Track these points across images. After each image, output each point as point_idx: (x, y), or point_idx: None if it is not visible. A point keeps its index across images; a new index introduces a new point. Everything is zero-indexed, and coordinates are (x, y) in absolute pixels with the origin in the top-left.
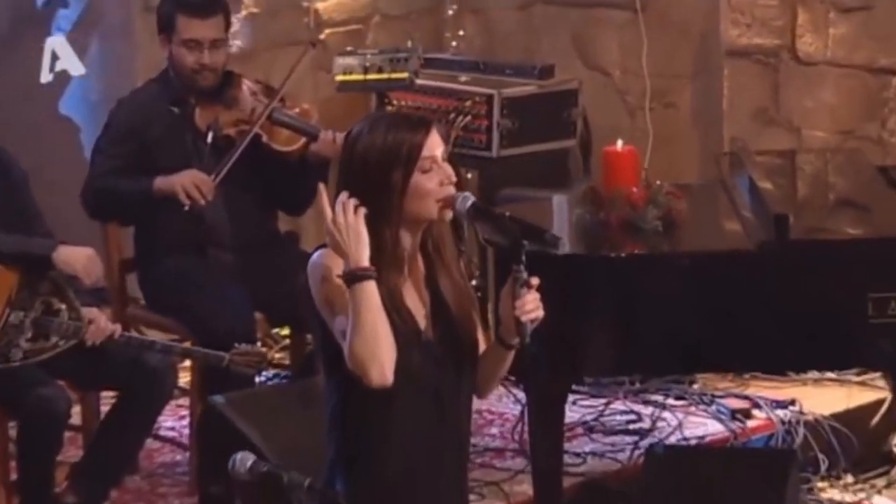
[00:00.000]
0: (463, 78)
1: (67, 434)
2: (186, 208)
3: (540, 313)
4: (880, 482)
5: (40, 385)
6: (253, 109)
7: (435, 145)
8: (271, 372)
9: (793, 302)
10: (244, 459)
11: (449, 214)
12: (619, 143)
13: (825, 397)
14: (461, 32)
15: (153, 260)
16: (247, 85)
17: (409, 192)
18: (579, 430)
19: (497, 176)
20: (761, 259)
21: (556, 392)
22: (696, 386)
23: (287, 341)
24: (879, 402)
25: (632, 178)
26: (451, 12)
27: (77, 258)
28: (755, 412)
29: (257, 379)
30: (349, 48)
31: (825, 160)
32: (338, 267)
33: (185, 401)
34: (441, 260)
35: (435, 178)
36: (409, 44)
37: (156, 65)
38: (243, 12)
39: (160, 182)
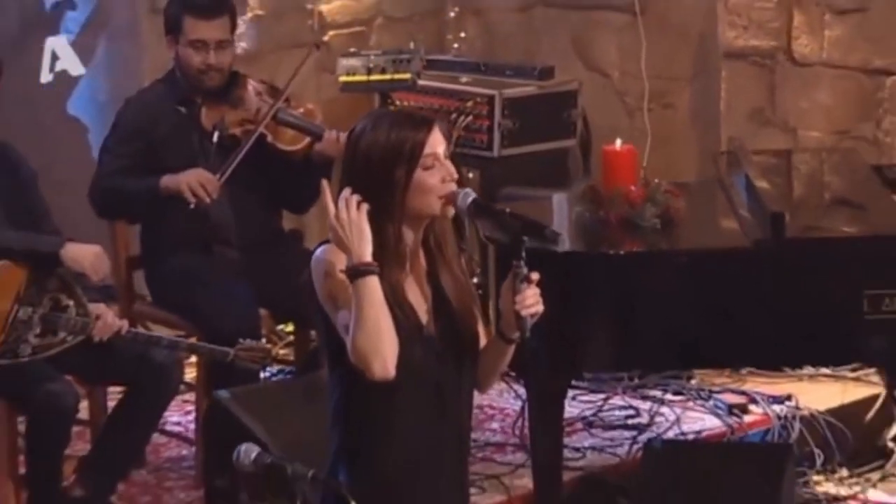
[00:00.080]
0: (464, 79)
1: (75, 428)
2: (192, 206)
3: (540, 308)
4: (875, 476)
5: (48, 380)
6: (258, 109)
7: (437, 143)
8: (276, 368)
9: (789, 299)
10: (248, 451)
11: (450, 211)
12: (618, 142)
13: (821, 393)
14: (463, 34)
15: (159, 257)
16: (252, 85)
17: (412, 188)
18: (579, 424)
19: (498, 175)
20: (758, 256)
21: (556, 388)
22: (693, 382)
23: (291, 338)
24: (874, 398)
25: (630, 177)
26: (452, 14)
27: (85, 255)
28: (752, 407)
29: (262, 374)
30: (352, 49)
31: (821, 159)
32: (341, 262)
33: (190, 396)
34: (442, 256)
35: (437, 175)
36: (412, 45)
37: (162, 66)
38: (248, 14)
39: (166, 181)
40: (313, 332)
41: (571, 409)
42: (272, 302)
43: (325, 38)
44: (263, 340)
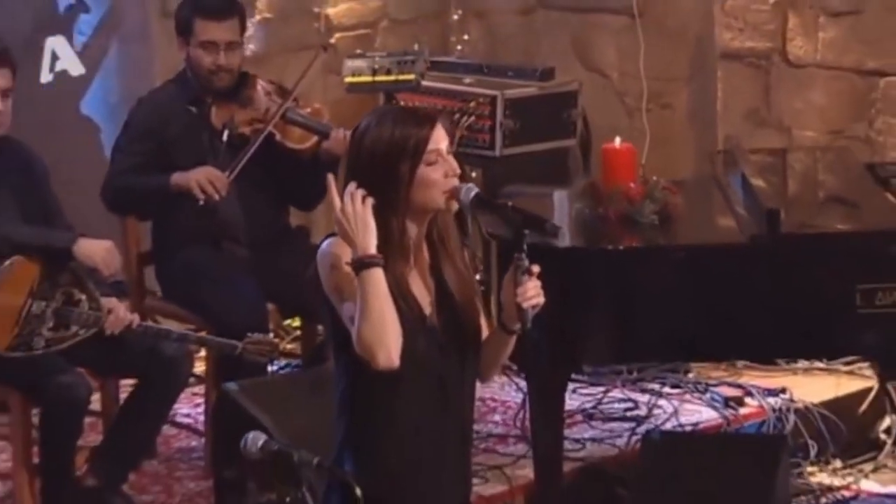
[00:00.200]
0: (467, 80)
1: (88, 420)
2: (201, 203)
3: (541, 299)
4: (867, 467)
5: (61, 372)
6: (267, 109)
7: (440, 139)
8: (283, 361)
9: (784, 293)
10: (256, 439)
11: (453, 205)
12: (618, 140)
13: (815, 386)
14: (466, 36)
15: (170, 253)
16: (261, 85)
17: (416, 183)
18: (579, 416)
19: (500, 174)
20: (754, 252)
21: (557, 381)
22: (690, 375)
23: (298, 332)
24: (867, 391)
25: (629, 175)
26: (456, 17)
27: (96, 250)
28: (747, 400)
29: (269, 368)
30: (358, 51)
31: (815, 158)
32: (346, 255)
33: (200, 389)
34: (445, 249)
35: (440, 170)
36: (416, 47)
37: (173, 67)
38: (257, 17)
39: (177, 178)
40: (320, 327)
41: (572, 401)
42: (279, 297)
43: (332, 41)
44: (271, 335)
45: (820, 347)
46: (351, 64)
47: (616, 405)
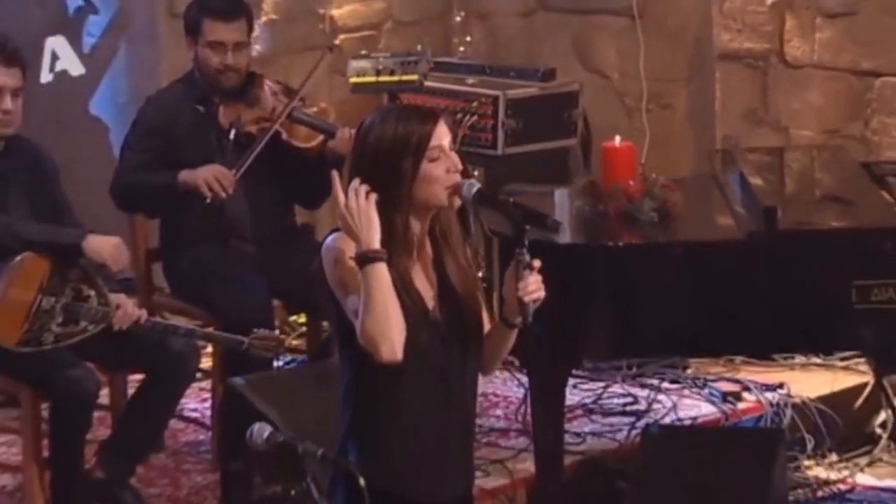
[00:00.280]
0: (470, 80)
1: (96, 414)
2: (208, 201)
3: (541, 293)
4: (863, 461)
5: (70, 367)
6: (274, 108)
7: (442, 135)
8: (288, 357)
9: (781, 289)
10: (261, 430)
11: (456, 201)
12: (617, 138)
13: (811, 381)
14: (468, 38)
15: (177, 250)
16: (268, 85)
17: (419, 179)
18: (579, 411)
19: (502, 173)
20: (751, 248)
21: (558, 376)
22: (689, 370)
23: (304, 329)
24: (862, 386)
25: (629, 172)
26: (458, 19)
27: (105, 246)
28: (745, 395)
29: (275, 363)
30: (363, 52)
31: (811, 157)
32: (350, 249)
33: (207, 384)
34: (448, 245)
35: (442, 166)
36: (420, 48)
37: (180, 68)
38: (263, 18)
39: (184, 176)
40: (325, 323)
41: (572, 396)
42: (285, 293)
43: (337, 42)
44: (276, 330)
45: (816, 342)
46: (355, 65)
47: (616, 400)
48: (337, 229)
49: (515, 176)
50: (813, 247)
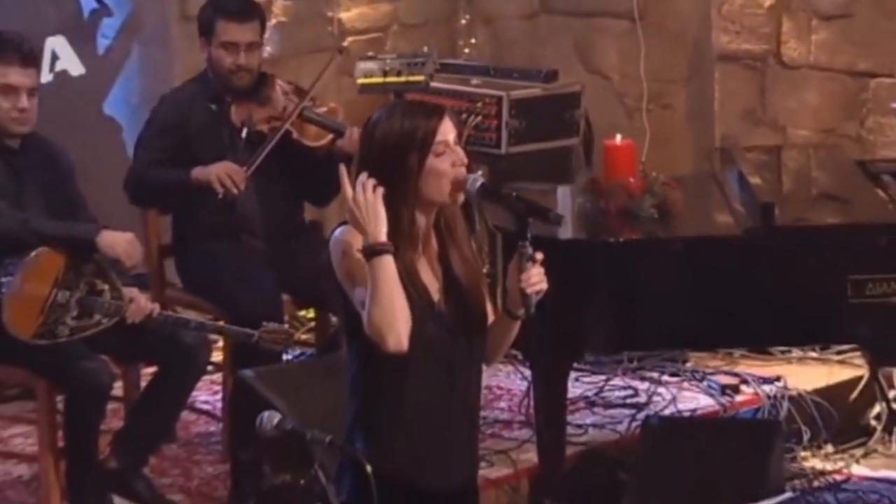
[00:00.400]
0: (474, 81)
1: (110, 406)
2: (220, 197)
3: (544, 285)
4: (858, 452)
5: (85, 359)
6: (284, 108)
7: (448, 130)
8: (297, 350)
9: (778, 284)
10: (271, 417)
11: (461, 196)
12: (618, 137)
13: (808, 374)
14: (473, 40)
15: (189, 245)
16: (279, 85)
17: (424, 174)
18: (581, 403)
19: (505, 172)
20: (749, 244)
21: (560, 369)
22: (688, 364)
23: (312, 323)
24: (858, 379)
25: (630, 170)
26: (463, 22)
27: (118, 242)
28: (743, 388)
29: (284, 357)
30: (370, 54)
31: (808, 156)
32: (357, 242)
33: (218, 377)
34: (453, 238)
35: (448, 161)
36: (425, 50)
37: (192, 69)
38: (272, 21)
39: (197, 172)
40: (333, 318)
41: (574, 389)
42: (294, 288)
43: (345, 44)
44: (285, 324)
45: (812, 336)
46: (363, 66)
47: (617, 393)
48: (344, 222)
49: (519, 175)
50: (809, 242)
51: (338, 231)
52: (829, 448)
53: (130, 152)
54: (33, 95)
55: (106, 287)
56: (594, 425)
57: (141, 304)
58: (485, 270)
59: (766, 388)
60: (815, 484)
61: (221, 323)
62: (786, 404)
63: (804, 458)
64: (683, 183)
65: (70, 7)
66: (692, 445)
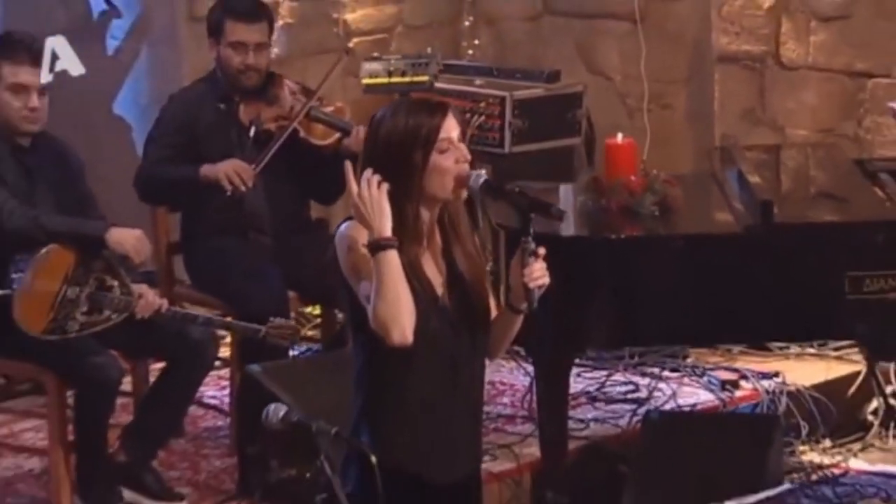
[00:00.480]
0: (478, 82)
1: (120, 400)
2: (228, 194)
3: (546, 280)
4: (856, 446)
5: (94, 354)
6: (292, 107)
7: (451, 127)
8: (304, 346)
9: (777, 280)
10: (277, 410)
11: (464, 192)
12: (620, 135)
13: (806, 370)
14: (476, 41)
15: (197, 242)
16: (287, 85)
17: (428, 170)
18: (583, 398)
19: (508, 170)
20: (748, 241)
21: (561, 364)
22: (689, 360)
23: (318, 320)
24: (855, 374)
25: (631, 168)
26: (467, 23)
27: (127, 238)
28: (742, 383)
29: (291, 353)
30: (375, 54)
31: (806, 155)
32: (363, 237)
33: (225, 372)
34: (456, 234)
35: (451, 157)
36: (430, 51)
37: (200, 70)
38: (279, 22)
39: (205, 169)
40: (339, 315)
41: (576, 384)
42: (300, 285)
43: (350, 45)
44: (292, 320)
45: (811, 331)
46: (368, 66)
47: (618, 388)
48: (350, 218)
49: (521, 174)
50: (808, 239)
51: (343, 226)
52: (827, 442)
53: (140, 152)
54: (44, 95)
55: (115, 283)
56: (596, 420)
57: (150, 299)
58: (488, 268)
59: (765, 383)
60: (813, 477)
61: (229, 319)
62: (784, 399)
63: (802, 453)
64: (684, 181)
65: (79, 8)
66: (692, 440)
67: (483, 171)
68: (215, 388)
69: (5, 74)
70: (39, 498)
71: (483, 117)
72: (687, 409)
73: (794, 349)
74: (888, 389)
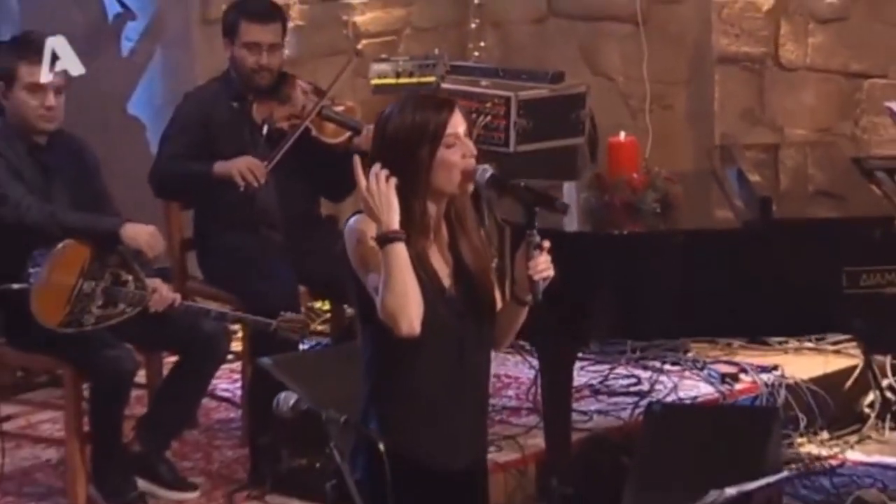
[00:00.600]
0: (484, 82)
1: (134, 392)
2: (241, 190)
3: (551, 272)
4: (853, 438)
5: (109, 347)
6: (304, 106)
7: (458, 123)
8: (314, 341)
9: (776, 275)
10: (287, 398)
11: (470, 187)
12: (622, 134)
13: (804, 363)
14: (482, 43)
15: (210, 238)
16: (300, 84)
17: (435, 165)
18: (586, 391)
19: (513, 169)
20: (748, 236)
21: (565, 358)
22: (689, 353)
23: (328, 315)
24: (852, 368)
25: (633, 166)
26: (473, 26)
27: (141, 234)
28: (742, 376)
29: (301, 346)
30: (383, 56)
31: (805, 153)
32: (371, 231)
33: (237, 365)
34: (463, 228)
35: (458, 153)
36: (437, 52)
37: (213, 71)
38: (290, 24)
39: (219, 166)
40: (348, 309)
41: (580, 377)
42: (310, 280)
43: (359, 47)
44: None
45: (809, 324)
46: (377, 67)
47: (621, 381)
48: (359, 212)
49: (526, 173)
50: (806, 235)
51: (352, 220)
52: (825, 434)
53: (154, 151)
54: (60, 93)
55: (130, 277)
56: (599, 412)
57: (163, 293)
58: (493, 265)
59: (764, 376)
60: (811, 469)
61: (240, 313)
62: (783, 392)
63: (800, 444)
64: (685, 179)
65: (94, 10)
66: (693, 432)
67: (489, 166)
68: (227, 381)
69: (22, 74)
70: (56, 487)
71: (489, 117)
72: (688, 401)
73: (793, 343)
74: (884, 382)
